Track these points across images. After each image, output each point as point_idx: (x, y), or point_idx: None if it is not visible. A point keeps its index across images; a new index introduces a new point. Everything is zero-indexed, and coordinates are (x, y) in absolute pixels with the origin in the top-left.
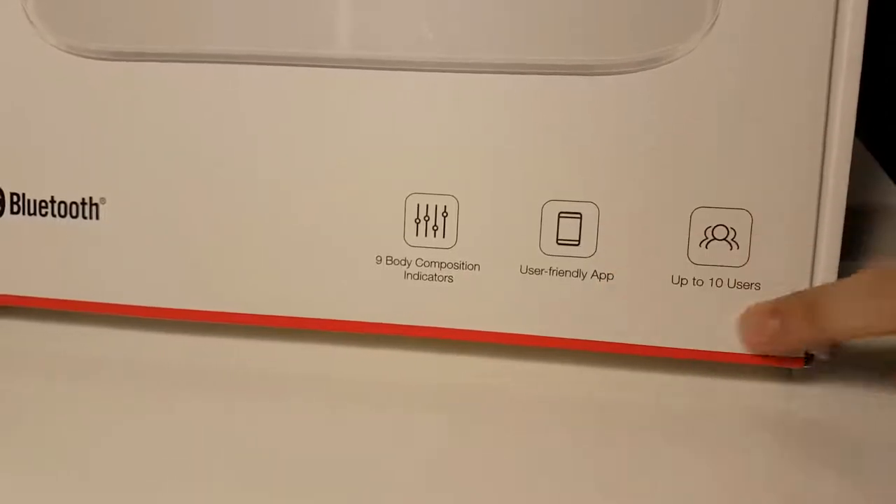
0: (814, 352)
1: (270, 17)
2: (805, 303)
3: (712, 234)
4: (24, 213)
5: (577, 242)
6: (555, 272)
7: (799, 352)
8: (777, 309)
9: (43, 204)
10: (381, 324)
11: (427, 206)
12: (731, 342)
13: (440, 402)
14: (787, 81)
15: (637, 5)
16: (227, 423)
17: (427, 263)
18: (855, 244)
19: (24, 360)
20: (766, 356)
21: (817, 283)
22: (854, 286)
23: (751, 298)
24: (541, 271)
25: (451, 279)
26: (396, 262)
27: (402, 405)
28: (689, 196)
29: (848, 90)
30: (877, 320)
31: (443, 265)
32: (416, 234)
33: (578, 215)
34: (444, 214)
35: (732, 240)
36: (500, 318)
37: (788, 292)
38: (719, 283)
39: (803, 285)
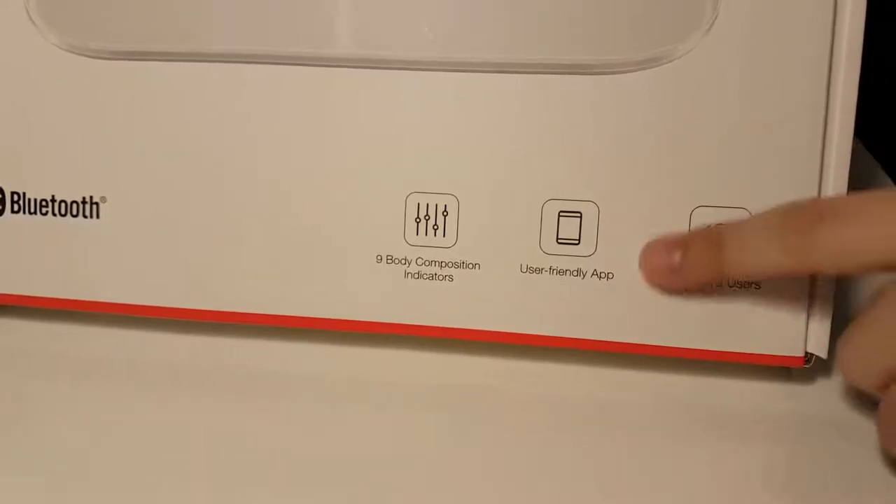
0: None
1: (271, 16)
2: (709, 237)
3: None
4: (24, 213)
5: (577, 241)
6: (555, 271)
7: (700, 289)
8: (681, 242)
9: (43, 203)
10: (382, 323)
11: (427, 205)
12: (730, 341)
13: (440, 402)
14: (787, 81)
15: (637, 5)
16: (227, 423)
17: (427, 263)
18: None
19: (23, 359)
20: (759, 357)
21: (815, 282)
22: (761, 220)
23: (750, 297)
24: (541, 270)
25: (451, 278)
26: (397, 261)
27: (402, 405)
28: (689, 195)
29: (847, 90)
30: (775, 258)
31: (443, 264)
32: (417, 234)
33: (578, 214)
34: (445, 213)
35: None
36: (500, 317)
37: (786, 292)
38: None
39: (802, 284)
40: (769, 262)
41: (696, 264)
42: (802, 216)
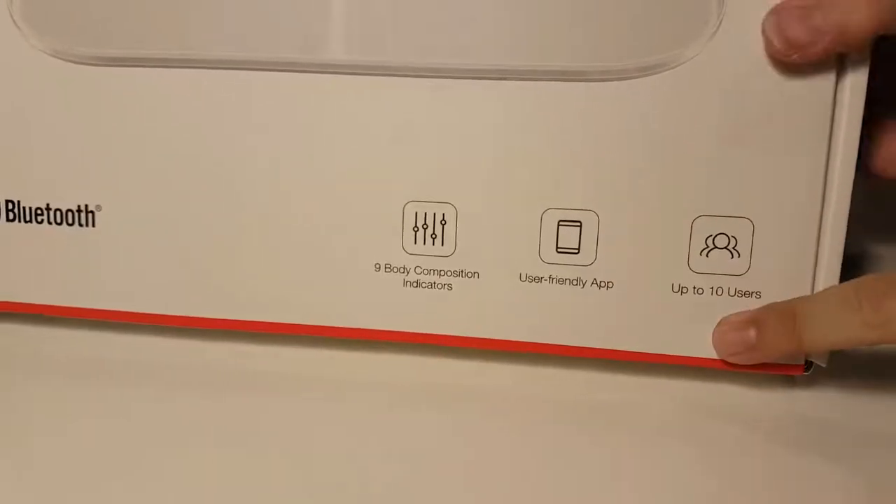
0: (797, 362)
1: (266, 21)
2: (783, 314)
3: (713, 243)
4: (19, 220)
5: (576, 251)
6: (554, 280)
7: (774, 361)
8: (754, 319)
9: (38, 211)
10: (381, 331)
11: (426, 213)
12: None
13: (436, 405)
14: (792, 87)
15: (640, 11)
16: (225, 426)
17: (426, 271)
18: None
19: (19, 361)
20: (759, 365)
21: (813, 292)
22: (833, 297)
23: (751, 307)
24: (540, 279)
25: (450, 287)
26: (395, 269)
27: (399, 407)
28: (691, 204)
29: (854, 97)
30: (857, 332)
31: (442, 273)
32: (415, 242)
33: (578, 223)
34: (443, 222)
35: (733, 248)
36: (499, 325)
37: None
38: (720, 291)
39: (804, 294)
40: (850, 335)
41: (773, 340)
42: (878, 290)
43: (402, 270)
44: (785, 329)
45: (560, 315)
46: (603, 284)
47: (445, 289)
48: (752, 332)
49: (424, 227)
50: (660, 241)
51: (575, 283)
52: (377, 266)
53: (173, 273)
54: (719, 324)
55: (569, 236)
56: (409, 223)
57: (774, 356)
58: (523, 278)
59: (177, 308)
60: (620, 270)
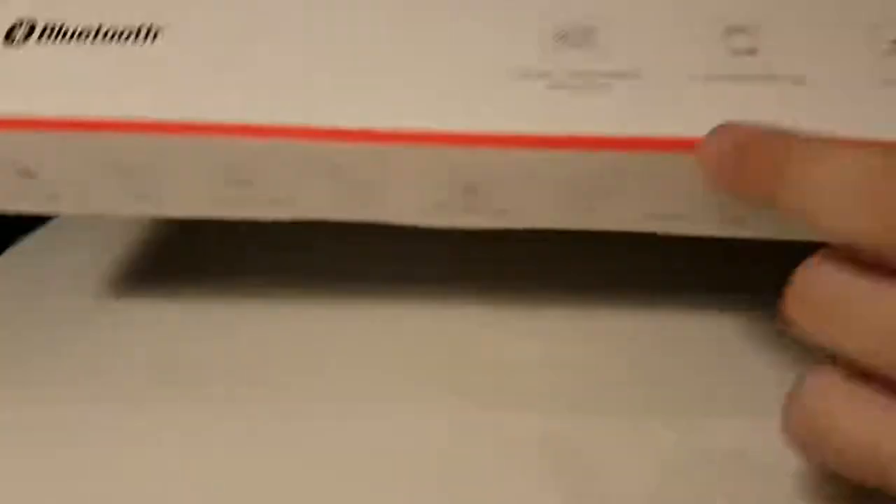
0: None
1: None
2: (775, 154)
3: None
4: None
5: (754, 51)
6: (735, 78)
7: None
8: (741, 143)
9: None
10: (521, 136)
11: (572, 24)
12: None
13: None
14: None
15: None
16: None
17: (576, 74)
18: None
19: None
20: None
21: None
22: (846, 172)
23: None
24: (719, 77)
25: (608, 87)
26: (539, 75)
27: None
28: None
29: None
30: (867, 224)
31: (597, 74)
32: (560, 51)
33: (756, 27)
34: (593, 31)
35: None
36: (672, 122)
37: None
38: None
39: None
40: (850, 228)
41: (753, 176)
42: None
43: (546, 76)
44: (773, 177)
45: (749, 112)
46: (793, 79)
47: (603, 89)
48: (733, 153)
49: (568, 35)
50: (847, 37)
51: (762, 80)
52: (517, 71)
53: (259, 76)
54: (716, 127)
55: (742, 39)
56: (553, 31)
57: (753, 195)
58: (701, 77)
59: (268, 116)
60: (810, 62)
